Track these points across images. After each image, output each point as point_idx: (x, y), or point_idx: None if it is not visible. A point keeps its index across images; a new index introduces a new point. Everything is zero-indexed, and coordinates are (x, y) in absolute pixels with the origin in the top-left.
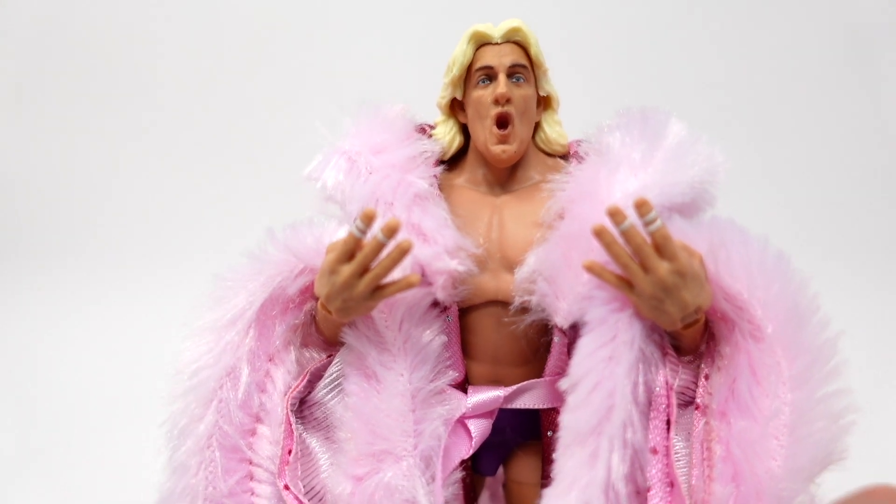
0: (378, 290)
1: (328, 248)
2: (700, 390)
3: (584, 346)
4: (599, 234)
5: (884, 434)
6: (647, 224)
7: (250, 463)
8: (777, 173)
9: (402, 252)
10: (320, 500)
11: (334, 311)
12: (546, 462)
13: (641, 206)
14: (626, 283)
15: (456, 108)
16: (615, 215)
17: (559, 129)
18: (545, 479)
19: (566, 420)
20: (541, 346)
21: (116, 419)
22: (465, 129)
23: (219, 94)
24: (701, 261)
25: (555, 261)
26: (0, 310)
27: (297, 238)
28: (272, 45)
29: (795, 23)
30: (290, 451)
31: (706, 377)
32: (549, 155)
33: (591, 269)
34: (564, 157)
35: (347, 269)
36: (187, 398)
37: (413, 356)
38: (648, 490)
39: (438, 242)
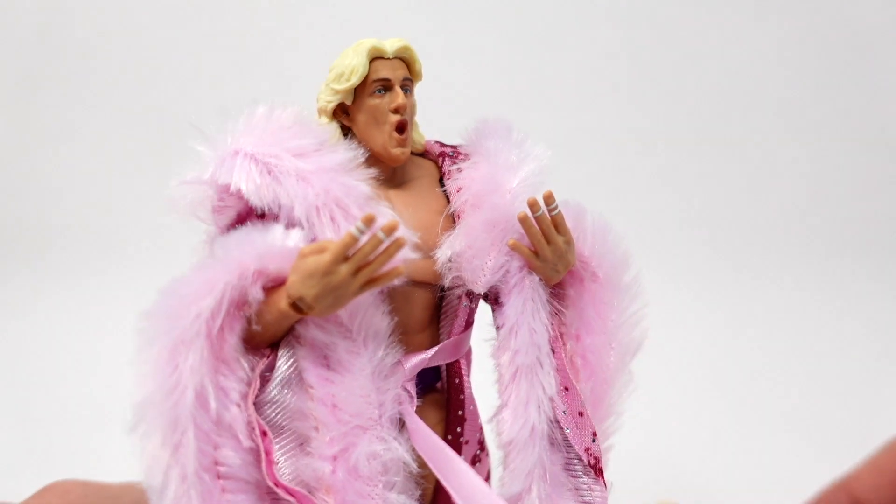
0: (367, 284)
1: (311, 250)
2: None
3: (513, 303)
4: (523, 220)
5: (882, 435)
6: (551, 210)
7: (219, 477)
8: (775, 175)
9: (399, 248)
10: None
11: (321, 308)
12: (452, 403)
13: (549, 198)
14: (533, 254)
15: (339, 112)
16: (533, 206)
17: (419, 130)
18: (451, 419)
19: (508, 359)
20: (444, 312)
21: (115, 419)
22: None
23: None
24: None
25: (479, 241)
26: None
27: (250, 242)
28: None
29: (795, 22)
30: (268, 453)
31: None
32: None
33: (514, 246)
34: (423, 154)
35: (345, 269)
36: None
37: (372, 338)
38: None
39: None
